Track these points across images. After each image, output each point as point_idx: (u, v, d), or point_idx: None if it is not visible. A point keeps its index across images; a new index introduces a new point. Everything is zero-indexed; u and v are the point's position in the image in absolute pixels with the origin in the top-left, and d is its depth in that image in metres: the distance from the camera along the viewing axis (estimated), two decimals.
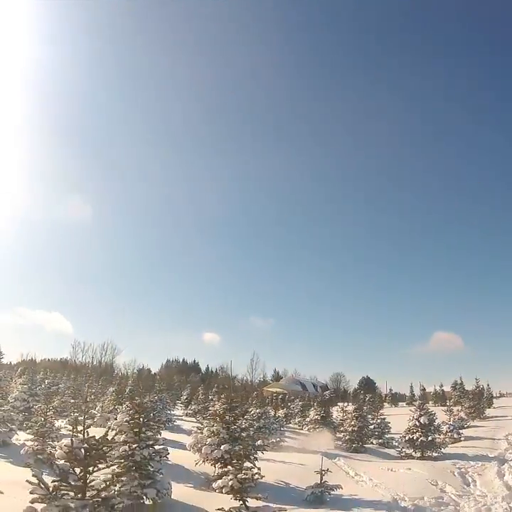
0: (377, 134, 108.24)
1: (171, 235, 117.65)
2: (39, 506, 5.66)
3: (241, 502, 9.12)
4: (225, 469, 10.23)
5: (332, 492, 11.93)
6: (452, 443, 21.80)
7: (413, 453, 19.29)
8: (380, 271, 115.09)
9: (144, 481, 9.83)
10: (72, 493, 5.56)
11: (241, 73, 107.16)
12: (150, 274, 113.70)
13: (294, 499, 11.95)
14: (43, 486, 5.41)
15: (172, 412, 29.15)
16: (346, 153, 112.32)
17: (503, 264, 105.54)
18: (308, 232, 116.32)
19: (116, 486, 5.74)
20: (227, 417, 13.80)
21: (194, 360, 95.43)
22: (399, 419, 24.25)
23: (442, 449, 19.30)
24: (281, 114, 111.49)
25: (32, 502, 5.79)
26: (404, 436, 19.68)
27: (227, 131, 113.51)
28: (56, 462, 6.22)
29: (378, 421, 24.22)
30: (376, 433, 23.62)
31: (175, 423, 26.55)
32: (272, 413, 24.26)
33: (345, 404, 32.05)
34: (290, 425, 31.08)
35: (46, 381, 32.99)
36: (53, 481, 5.65)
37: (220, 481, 9.86)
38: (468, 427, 27.64)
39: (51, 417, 14.85)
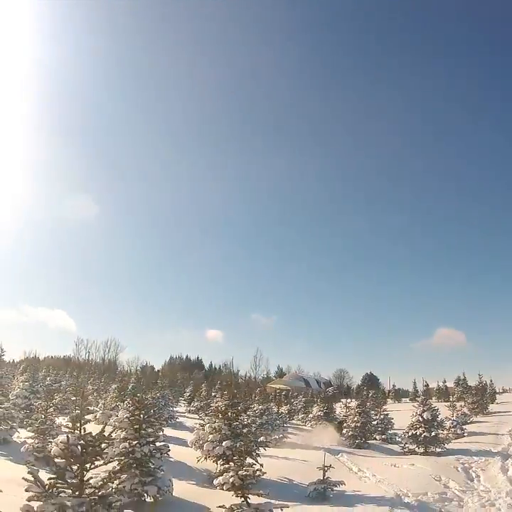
0: (378, 133, 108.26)
1: (174, 233, 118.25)
2: (36, 504, 5.58)
3: (242, 499, 9.05)
4: (227, 466, 10.15)
5: (335, 488, 11.83)
6: (455, 438, 21.69)
7: (416, 449, 19.18)
8: (383, 268, 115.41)
9: (145, 478, 9.77)
10: (69, 491, 5.47)
11: (242, 73, 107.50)
12: (153, 272, 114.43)
13: (297, 496, 11.86)
14: (38, 483, 5.32)
15: (175, 409, 29.08)
16: (347, 153, 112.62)
17: (505, 261, 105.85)
18: (310, 231, 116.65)
19: (113, 483, 5.62)
20: (229, 414, 13.72)
21: (197, 357, 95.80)
22: (402, 415, 24.13)
23: (445, 445, 19.17)
24: (282, 113, 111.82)
25: (29, 500, 5.71)
26: (408, 432, 19.57)
27: (229, 131, 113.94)
28: (55, 459, 6.15)
29: (381, 417, 24.10)
30: (379, 429, 23.50)
31: (177, 420, 26.48)
32: (275, 409, 24.16)
33: (349, 400, 31.95)
34: (293, 421, 31.01)
35: (48, 378, 32.99)
36: (49, 479, 5.56)
37: (220, 478, 9.78)
38: (471, 422, 27.54)
39: (51, 414, 14.78)
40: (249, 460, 10.99)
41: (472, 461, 16.13)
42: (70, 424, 6.19)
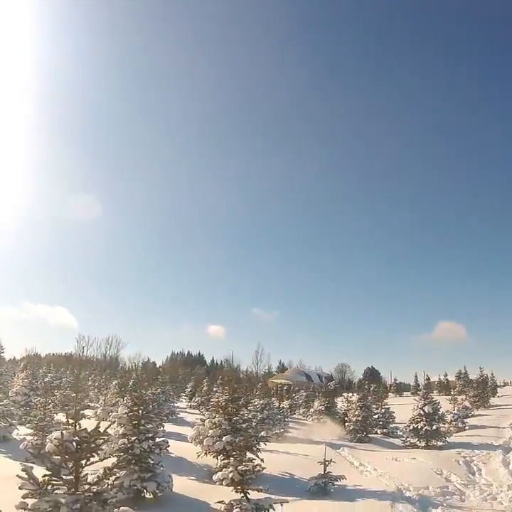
0: (378, 133, 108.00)
1: (175, 230, 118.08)
2: (31, 501, 5.51)
3: (242, 494, 8.98)
4: (227, 461, 10.07)
5: (336, 483, 11.78)
6: (457, 432, 21.68)
7: (418, 442, 19.16)
8: (383, 263, 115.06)
9: (144, 475, 9.71)
10: (64, 488, 5.39)
11: (242, 73, 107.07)
12: (155, 269, 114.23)
13: (298, 490, 11.82)
14: (32, 480, 5.24)
15: (176, 405, 29.07)
16: (347, 152, 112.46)
17: (505, 255, 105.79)
18: (311, 226, 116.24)
19: (109, 479, 5.54)
20: (229, 408, 13.64)
21: (199, 353, 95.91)
22: (403, 409, 24.09)
23: (447, 438, 19.16)
24: (282, 113, 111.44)
25: (24, 497, 5.64)
26: (409, 426, 19.55)
27: (229, 131, 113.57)
28: (53, 457, 6.07)
29: (383, 411, 24.10)
30: (380, 423, 23.50)
31: (179, 415, 26.49)
32: (277, 404, 24.14)
33: (350, 394, 31.94)
34: (294, 416, 31.02)
35: (49, 375, 32.99)
36: (44, 476, 5.48)
37: (220, 473, 9.70)
38: (472, 415, 27.55)
39: (50, 411, 14.72)
40: (249, 455, 10.93)
41: (473, 455, 16.10)
42: (73, 421, 6.10)
